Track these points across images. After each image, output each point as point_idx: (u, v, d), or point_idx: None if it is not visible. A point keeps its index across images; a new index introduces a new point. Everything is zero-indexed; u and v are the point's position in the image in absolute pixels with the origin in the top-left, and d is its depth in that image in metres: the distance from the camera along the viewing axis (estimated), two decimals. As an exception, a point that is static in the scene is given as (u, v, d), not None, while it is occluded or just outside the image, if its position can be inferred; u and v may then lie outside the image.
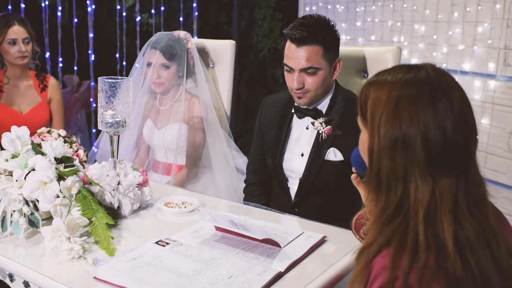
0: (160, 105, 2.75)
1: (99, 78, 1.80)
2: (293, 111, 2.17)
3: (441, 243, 1.02)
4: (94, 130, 4.93)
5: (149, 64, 2.65)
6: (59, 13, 4.62)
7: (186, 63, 2.65)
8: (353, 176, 1.45)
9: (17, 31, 2.85)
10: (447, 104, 1.06)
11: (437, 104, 1.05)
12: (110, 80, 1.78)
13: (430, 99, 1.06)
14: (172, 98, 2.70)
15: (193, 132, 2.67)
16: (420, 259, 1.01)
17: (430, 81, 1.09)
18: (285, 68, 2.09)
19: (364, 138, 1.17)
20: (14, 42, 2.84)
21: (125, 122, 1.83)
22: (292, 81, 2.06)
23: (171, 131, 2.66)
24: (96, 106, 4.84)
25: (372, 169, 1.12)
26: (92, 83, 4.85)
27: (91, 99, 4.98)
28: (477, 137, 1.13)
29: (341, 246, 1.62)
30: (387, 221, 1.07)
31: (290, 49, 2.05)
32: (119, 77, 1.82)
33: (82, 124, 5.21)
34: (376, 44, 3.91)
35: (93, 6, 4.60)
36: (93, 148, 2.72)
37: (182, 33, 2.71)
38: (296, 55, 2.03)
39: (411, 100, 1.06)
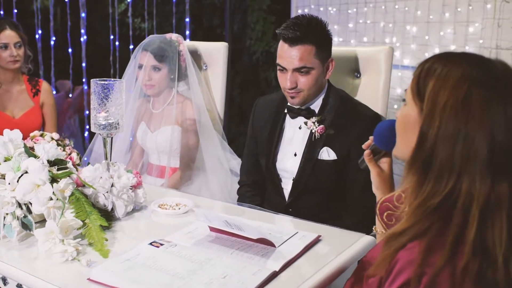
0: (153, 108, 2.75)
1: (91, 80, 1.80)
2: (286, 111, 2.18)
3: (487, 249, 0.97)
4: (86, 135, 4.92)
5: (140, 66, 2.65)
6: (51, 18, 4.62)
7: (178, 65, 2.65)
8: (366, 152, 1.43)
9: (8, 35, 2.84)
10: None
11: (509, 107, 1.00)
12: (102, 82, 1.78)
13: (502, 101, 1.01)
14: (164, 101, 2.70)
15: (186, 135, 2.67)
16: (459, 260, 0.97)
17: (505, 81, 1.03)
18: (278, 68, 2.10)
19: (410, 113, 1.12)
20: (5, 47, 2.83)
21: (118, 124, 1.82)
22: (285, 80, 2.06)
23: (164, 133, 2.66)
24: (90, 111, 4.86)
25: (421, 151, 1.05)
26: (85, 88, 4.85)
27: (84, 104, 4.98)
28: None
29: (335, 246, 1.61)
30: (429, 211, 1.02)
31: (283, 48, 2.06)
32: (112, 79, 1.81)
33: (75, 129, 5.21)
34: (369, 45, 3.93)
35: (86, 11, 4.60)
36: (84, 158, 2.69)
37: (174, 36, 2.71)
38: (289, 55, 2.03)
39: (484, 100, 1.01)
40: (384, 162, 1.46)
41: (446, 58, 1.10)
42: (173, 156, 2.69)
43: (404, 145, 1.16)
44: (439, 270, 0.96)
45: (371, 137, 1.47)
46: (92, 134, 4.81)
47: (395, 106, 3.63)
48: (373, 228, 1.51)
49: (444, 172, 1.02)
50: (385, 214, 1.36)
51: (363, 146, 1.48)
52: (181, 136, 2.67)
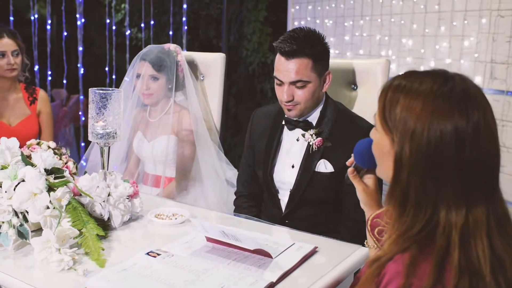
0: (149, 117, 2.75)
1: (90, 89, 1.80)
2: (283, 122, 2.18)
3: (474, 267, 1.00)
4: (83, 144, 4.91)
5: (138, 76, 2.66)
6: (48, 27, 4.63)
7: (176, 75, 2.66)
8: (350, 169, 1.43)
9: (6, 44, 2.84)
10: (482, 122, 1.03)
11: (472, 122, 1.02)
12: (100, 92, 1.78)
13: (465, 116, 1.02)
14: (162, 111, 2.70)
15: (182, 144, 2.68)
16: (447, 279, 0.99)
17: (466, 96, 1.05)
18: (275, 80, 2.10)
19: (383, 142, 1.14)
20: (3, 55, 2.83)
21: (115, 133, 1.82)
22: (282, 93, 2.07)
23: (160, 143, 2.67)
24: (85, 120, 4.85)
25: (397, 183, 1.08)
26: (81, 97, 4.84)
27: (80, 113, 4.97)
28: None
29: (332, 257, 1.62)
30: (410, 238, 1.04)
31: (279, 62, 2.07)
32: (110, 89, 1.82)
33: (70, 138, 5.20)
34: (365, 58, 3.95)
35: (83, 20, 4.60)
36: (82, 161, 2.70)
37: (172, 46, 2.72)
38: (285, 68, 2.04)
39: (447, 117, 1.02)
40: (368, 178, 1.46)
41: (408, 85, 1.10)
42: (169, 165, 2.69)
43: (385, 170, 1.17)
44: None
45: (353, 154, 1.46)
46: (87, 144, 4.82)
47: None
48: (365, 243, 1.51)
49: (421, 202, 1.04)
50: (376, 230, 1.38)
51: (347, 163, 1.47)
52: (177, 145, 2.68)
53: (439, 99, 1.04)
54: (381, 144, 1.14)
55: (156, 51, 2.67)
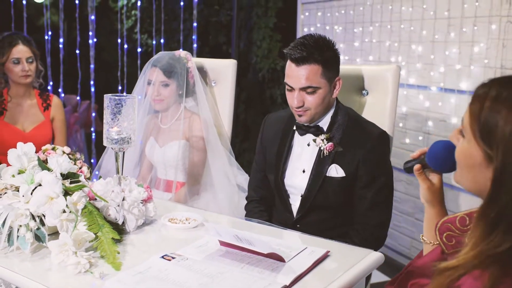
0: (161, 123, 2.79)
1: (104, 95, 1.83)
2: (294, 128, 2.21)
3: None
4: (94, 150, 4.95)
5: (149, 82, 2.70)
6: (61, 33, 4.68)
7: (186, 81, 2.70)
8: (416, 167, 1.41)
9: (21, 51, 2.89)
10: None
11: None
12: (115, 97, 1.81)
13: None
14: (172, 117, 2.74)
15: (193, 150, 2.71)
16: None
17: None
18: (286, 86, 2.13)
19: (473, 153, 1.08)
20: (18, 61, 2.87)
21: (130, 138, 1.85)
22: (292, 99, 2.09)
23: (172, 148, 2.70)
24: (96, 126, 4.89)
25: (495, 203, 1.02)
26: (93, 103, 4.88)
27: (91, 119, 5.01)
28: None
29: (344, 262, 1.63)
30: (495, 256, 1.00)
31: (290, 68, 2.10)
32: (124, 94, 1.84)
33: (81, 143, 5.24)
34: (374, 64, 3.97)
35: (94, 27, 4.65)
36: (96, 171, 2.72)
37: (183, 53, 2.76)
38: (295, 74, 2.06)
39: None
40: (434, 175, 1.43)
41: (509, 99, 1.01)
42: (180, 170, 2.72)
43: (470, 181, 1.13)
44: None
45: (420, 150, 1.43)
46: (99, 149, 4.86)
47: (400, 124, 3.66)
48: (421, 236, 1.50)
49: None
50: (445, 234, 1.33)
51: (412, 156, 1.45)
52: (188, 151, 2.71)
53: None
54: (471, 155, 1.08)
55: (167, 57, 2.71)
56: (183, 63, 2.71)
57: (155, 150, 2.75)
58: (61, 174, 1.74)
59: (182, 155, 2.69)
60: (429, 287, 1.05)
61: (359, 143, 2.10)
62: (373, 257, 1.67)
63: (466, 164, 1.12)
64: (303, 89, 2.06)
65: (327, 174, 2.10)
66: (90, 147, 4.99)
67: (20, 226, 1.62)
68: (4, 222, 1.62)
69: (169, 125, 2.76)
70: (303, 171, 2.17)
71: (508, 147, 0.98)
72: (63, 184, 1.69)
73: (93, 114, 4.93)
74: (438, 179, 1.44)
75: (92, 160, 4.95)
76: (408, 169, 1.47)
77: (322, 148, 2.11)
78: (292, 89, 2.09)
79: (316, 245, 1.72)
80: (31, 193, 1.66)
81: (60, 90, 4.79)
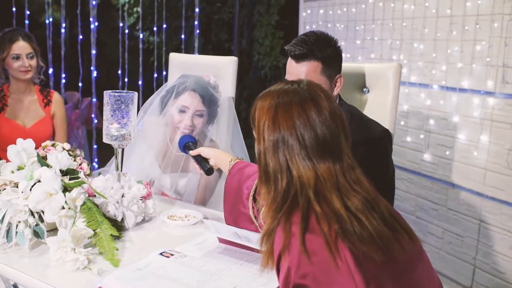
0: (176, 151, 2.41)
1: (105, 92, 1.82)
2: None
3: (337, 212, 1.22)
4: (95, 146, 4.95)
5: (183, 110, 2.38)
6: (62, 30, 4.68)
7: (216, 111, 2.48)
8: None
9: (21, 47, 2.88)
10: (315, 109, 1.30)
11: (307, 110, 1.29)
12: (115, 94, 1.80)
13: (300, 106, 1.30)
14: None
15: (207, 180, 2.48)
16: (322, 226, 1.20)
17: (301, 91, 1.34)
18: (288, 83, 2.12)
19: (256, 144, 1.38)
20: (17, 57, 2.87)
21: (129, 135, 1.85)
22: (293, 96, 2.08)
23: (183, 178, 2.47)
24: (98, 123, 4.89)
25: (260, 167, 1.33)
26: (94, 100, 4.88)
27: (92, 115, 5.01)
28: (346, 132, 1.35)
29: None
30: (279, 207, 1.26)
31: (290, 65, 2.09)
32: (124, 91, 1.84)
33: (82, 140, 5.24)
34: (376, 62, 3.96)
35: (96, 24, 4.65)
36: (94, 164, 2.66)
37: (212, 79, 2.51)
38: (295, 71, 2.06)
39: (286, 112, 1.30)
40: None
41: (263, 92, 1.41)
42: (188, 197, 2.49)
43: None
44: (302, 234, 1.20)
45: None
46: (99, 146, 4.86)
47: (402, 123, 3.65)
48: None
49: (277, 174, 1.29)
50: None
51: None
52: (201, 178, 2.47)
53: (279, 96, 1.35)
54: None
55: (204, 83, 2.43)
56: (219, 92, 2.49)
57: (165, 176, 2.48)
58: (61, 171, 1.74)
59: (192, 185, 2.45)
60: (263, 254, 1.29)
61: (361, 141, 2.09)
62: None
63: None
64: (304, 86, 2.05)
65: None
66: (91, 143, 5.00)
67: (19, 222, 1.62)
68: (3, 218, 1.62)
69: (181, 153, 2.31)
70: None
71: (257, 126, 1.37)
72: (62, 180, 1.69)
73: (94, 111, 4.93)
74: None
75: (93, 157, 4.96)
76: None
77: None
78: (293, 86, 2.09)
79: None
80: (30, 189, 1.65)
81: (61, 86, 4.79)
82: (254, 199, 1.68)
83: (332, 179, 1.26)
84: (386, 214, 1.28)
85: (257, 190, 1.63)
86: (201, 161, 1.98)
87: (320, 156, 1.27)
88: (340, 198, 1.24)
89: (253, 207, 1.68)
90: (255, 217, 1.68)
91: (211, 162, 1.95)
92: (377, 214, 1.26)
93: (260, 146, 1.33)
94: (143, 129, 2.53)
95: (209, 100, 2.42)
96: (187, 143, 2.10)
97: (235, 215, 1.76)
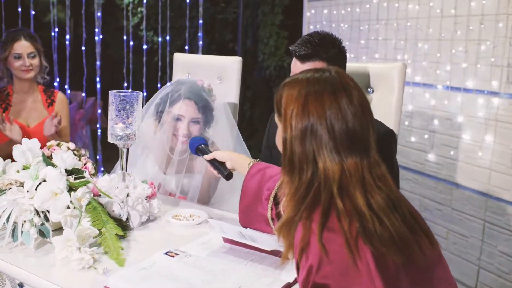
0: (173, 155, 2.43)
1: (109, 91, 1.82)
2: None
3: (359, 209, 1.19)
4: (99, 146, 4.96)
5: (179, 118, 2.37)
6: (67, 30, 4.69)
7: (211, 116, 2.46)
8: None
9: (22, 46, 2.88)
10: (347, 100, 1.26)
11: (339, 100, 1.25)
12: (120, 94, 1.81)
13: (332, 95, 1.26)
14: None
15: (209, 179, 2.48)
16: (342, 223, 1.17)
17: (333, 80, 1.29)
18: (292, 83, 2.12)
19: (279, 132, 1.35)
20: (19, 57, 2.87)
21: (134, 135, 1.85)
22: (298, 96, 2.08)
23: (187, 179, 2.47)
24: (102, 122, 4.90)
25: (285, 155, 1.29)
26: (98, 100, 4.89)
27: (97, 115, 5.02)
28: (374, 127, 1.31)
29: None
30: (301, 198, 1.23)
31: (295, 65, 2.09)
32: (129, 91, 1.84)
33: (86, 139, 5.25)
34: (380, 62, 3.95)
35: (100, 24, 4.66)
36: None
37: (206, 83, 2.46)
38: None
39: (318, 100, 1.25)
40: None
41: (290, 79, 1.35)
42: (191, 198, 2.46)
43: None
44: (320, 232, 1.17)
45: None
46: (103, 145, 4.87)
47: (406, 123, 3.64)
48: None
49: (303, 164, 1.25)
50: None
51: None
52: (203, 179, 2.46)
53: (310, 85, 1.30)
54: (279, 134, 1.38)
55: (199, 89, 2.40)
56: (213, 97, 2.45)
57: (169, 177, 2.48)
58: (66, 170, 1.74)
59: (195, 186, 2.43)
60: (285, 245, 1.27)
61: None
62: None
63: (278, 143, 1.41)
64: (308, 86, 2.05)
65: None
66: (96, 143, 5.01)
67: (25, 221, 1.62)
68: (8, 218, 1.62)
69: (184, 157, 2.40)
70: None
71: (285, 112, 1.30)
72: (67, 180, 1.70)
73: (99, 111, 4.94)
74: None
75: (98, 156, 4.96)
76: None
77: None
78: (297, 87, 2.09)
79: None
80: (36, 189, 1.66)
81: (66, 86, 4.81)
82: (275, 201, 1.65)
83: (358, 174, 1.22)
84: (407, 215, 1.26)
85: (278, 189, 1.61)
86: (218, 165, 1.90)
87: (349, 150, 1.23)
88: (364, 196, 1.21)
89: (272, 209, 1.66)
90: (272, 219, 1.66)
91: (228, 165, 1.88)
92: (399, 214, 1.23)
93: (286, 134, 1.28)
94: (142, 138, 2.44)
95: (203, 106, 2.39)
96: (199, 146, 2.01)
97: (250, 216, 1.74)
